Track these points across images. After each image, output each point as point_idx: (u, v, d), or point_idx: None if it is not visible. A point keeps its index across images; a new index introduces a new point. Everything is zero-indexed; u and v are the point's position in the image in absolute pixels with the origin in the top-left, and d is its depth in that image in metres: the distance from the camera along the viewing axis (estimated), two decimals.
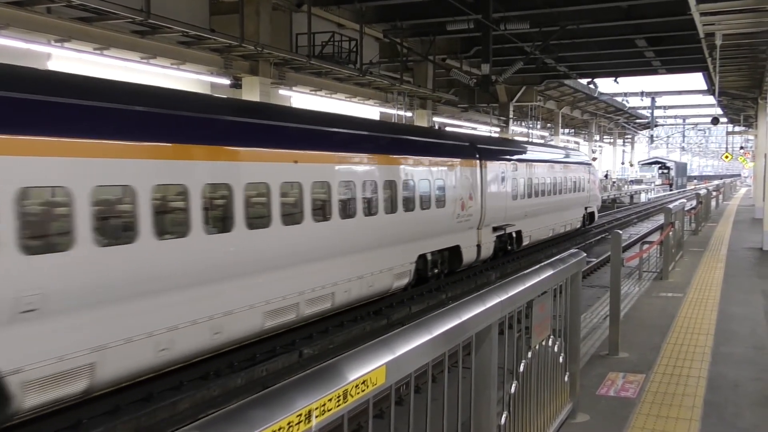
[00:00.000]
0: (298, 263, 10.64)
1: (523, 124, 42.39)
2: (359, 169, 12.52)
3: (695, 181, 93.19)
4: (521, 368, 3.98)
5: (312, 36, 19.63)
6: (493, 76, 23.97)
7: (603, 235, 28.54)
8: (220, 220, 9.20)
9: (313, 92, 21.51)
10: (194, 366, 9.52)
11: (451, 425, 3.11)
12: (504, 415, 3.74)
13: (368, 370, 2.31)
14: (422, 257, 14.94)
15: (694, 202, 21.24)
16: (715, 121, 33.37)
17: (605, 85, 52.47)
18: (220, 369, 9.78)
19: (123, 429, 7.91)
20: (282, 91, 19.95)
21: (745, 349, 7.41)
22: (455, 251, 16.59)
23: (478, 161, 17.59)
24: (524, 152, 22.25)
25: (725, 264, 13.81)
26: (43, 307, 6.83)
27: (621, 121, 66.50)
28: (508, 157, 19.98)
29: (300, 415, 1.95)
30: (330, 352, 11.35)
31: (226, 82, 18.10)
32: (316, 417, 2.02)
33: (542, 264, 4.54)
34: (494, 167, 18.58)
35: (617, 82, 39.88)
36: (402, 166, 13.94)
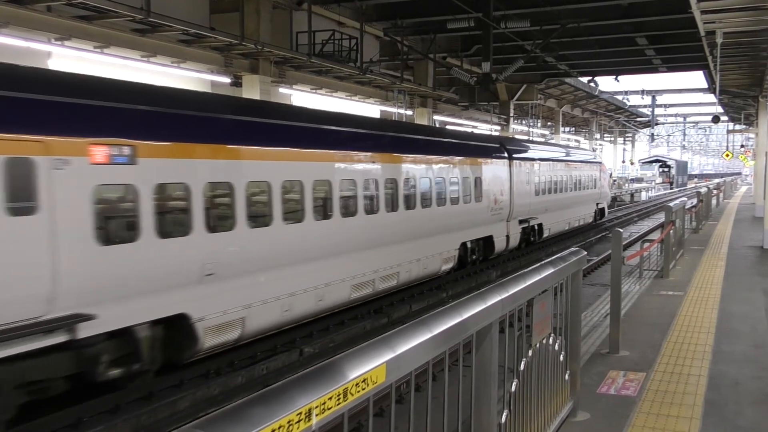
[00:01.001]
0: (374, 247, 12.93)
1: (524, 122, 42.37)
2: (419, 167, 14.65)
3: (696, 179, 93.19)
4: (522, 366, 3.98)
5: (312, 34, 19.62)
6: (494, 75, 23.97)
7: (604, 234, 28.57)
8: (322, 209, 11.42)
9: (314, 91, 21.50)
10: (194, 365, 9.54)
11: (451, 424, 3.11)
12: (504, 414, 3.74)
13: (368, 369, 2.30)
14: (463, 245, 17.09)
15: (694, 201, 21.23)
16: (716, 119, 33.23)
17: (606, 83, 52.63)
18: (221, 368, 9.79)
19: (123, 427, 7.92)
20: (282, 90, 19.95)
21: (746, 348, 7.40)
22: (488, 241, 18.72)
23: (507, 160, 19.72)
24: (545, 152, 24.27)
25: (726, 262, 13.80)
26: (216, 273, 9.08)
27: (621, 120, 66.49)
28: (532, 156, 22.12)
29: (300, 413, 1.94)
30: (330, 350, 11.37)
31: (227, 80, 18.10)
32: (317, 415, 2.02)
33: (543, 262, 4.54)
34: (521, 166, 20.67)
35: (618, 81, 39.89)
36: (450, 165, 16.11)
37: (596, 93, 47.24)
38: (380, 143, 13.62)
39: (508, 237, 19.78)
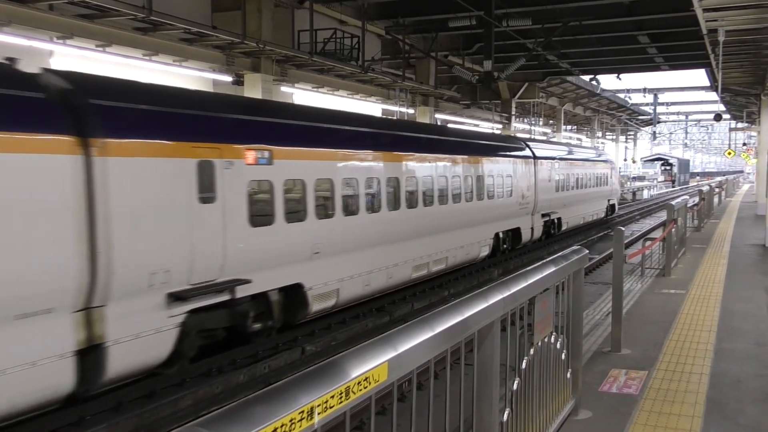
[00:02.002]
0: (429, 234, 15.10)
1: (526, 120, 42.32)
2: (465, 167, 16.94)
3: (698, 177, 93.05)
4: (523, 365, 3.98)
5: (314, 33, 19.62)
6: (495, 73, 23.97)
7: (605, 232, 28.57)
8: (393, 202, 13.62)
9: (315, 89, 21.49)
10: (197, 363, 9.54)
11: (453, 422, 3.11)
12: (506, 412, 3.74)
13: (370, 367, 2.31)
14: (497, 235, 19.24)
15: (696, 199, 21.22)
16: (718, 117, 33.28)
17: (607, 81, 52.63)
18: (223, 366, 9.79)
19: (126, 425, 7.93)
20: (284, 89, 19.94)
21: (748, 346, 7.40)
22: (516, 232, 20.84)
23: (533, 160, 21.78)
24: (564, 152, 26.45)
25: (728, 261, 13.79)
26: (321, 252, 11.38)
27: (623, 118, 66.37)
28: (553, 156, 24.19)
29: (302, 411, 1.95)
30: (332, 349, 11.37)
31: (228, 79, 18.10)
32: (319, 414, 2.02)
33: (544, 261, 4.54)
34: (544, 164, 22.77)
35: (620, 79, 39.87)
36: (488, 165, 18.32)
37: (598, 91, 47.17)
38: (433, 146, 15.95)
39: (532, 229, 21.84)
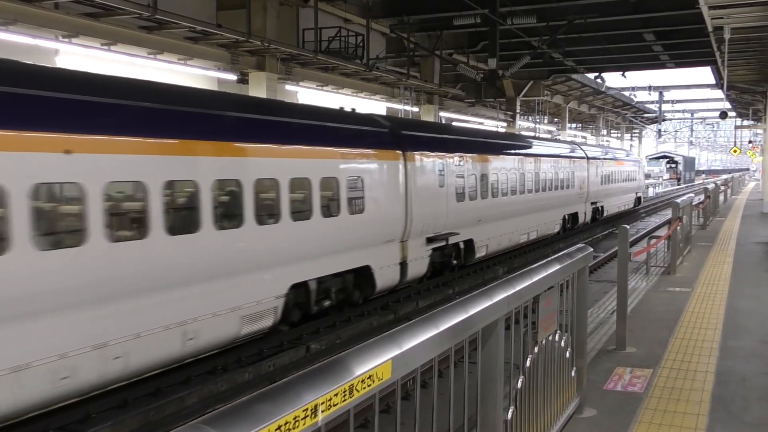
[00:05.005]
0: (530, 213, 20.87)
1: (530, 118, 42.27)
2: (547, 165, 22.55)
3: (703, 175, 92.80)
4: (528, 363, 3.98)
5: (319, 31, 19.62)
6: (500, 71, 23.95)
7: (610, 230, 28.55)
8: (515, 189, 19.59)
9: (320, 87, 21.50)
10: (202, 361, 9.57)
11: (457, 420, 3.11)
12: (511, 410, 3.74)
13: (374, 365, 2.31)
14: (563, 217, 24.93)
15: (702, 197, 21.16)
16: (724, 115, 33.13)
17: (613, 79, 52.37)
18: (228, 364, 9.81)
19: (131, 423, 7.95)
20: (288, 87, 19.95)
21: (753, 344, 7.38)
22: (575, 215, 26.74)
23: (585, 160, 27.60)
24: (605, 153, 32.70)
25: (733, 258, 13.75)
26: (482, 220, 17.18)
27: (629, 116, 66.22)
28: (598, 156, 30.12)
29: (306, 409, 1.95)
30: (337, 347, 11.37)
31: (233, 77, 18.11)
32: (323, 411, 2.03)
33: (549, 259, 4.54)
34: (593, 163, 28.61)
35: (625, 77, 39.74)
36: (563, 164, 24.39)
37: (603, 89, 47.05)
38: (532, 151, 21.97)
39: (585, 213, 27.79)
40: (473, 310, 3.11)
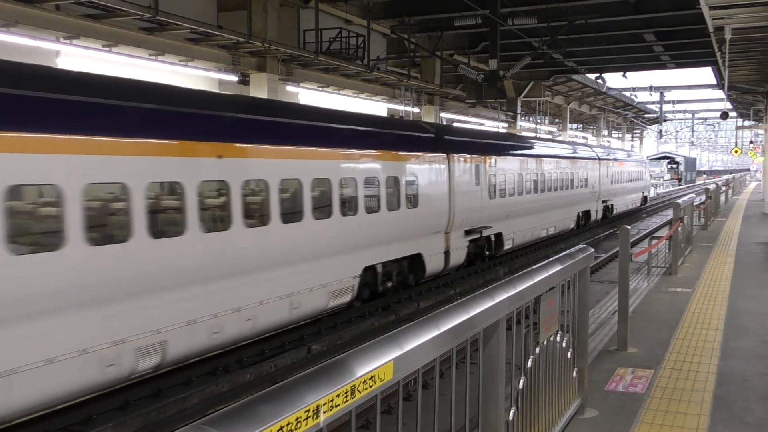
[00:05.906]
0: (550, 210, 22.64)
1: (531, 119, 42.28)
2: (566, 167, 24.68)
3: (704, 175, 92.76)
4: (529, 364, 3.97)
5: (319, 32, 19.63)
6: (501, 72, 23.93)
7: (611, 231, 28.55)
8: (531, 190, 20.95)
9: (321, 88, 21.50)
10: (203, 362, 9.57)
11: (459, 421, 3.11)
12: (512, 411, 3.74)
13: (376, 366, 2.31)
14: (578, 214, 26.70)
15: (703, 197, 21.15)
16: (725, 115, 33.12)
17: (613, 80, 52.30)
18: (229, 365, 9.82)
19: (133, 424, 7.96)
20: (289, 88, 19.95)
21: (755, 344, 7.38)
22: (587, 213, 28.27)
23: (597, 160, 29.39)
24: (615, 154, 34.67)
25: (735, 259, 13.75)
26: (510, 215, 18.99)
27: (629, 116, 66.20)
28: (609, 157, 31.87)
29: (308, 410, 1.95)
30: (338, 347, 11.38)
31: (234, 78, 18.12)
32: (324, 412, 2.03)
33: (550, 259, 4.53)
34: (604, 164, 30.36)
35: (626, 77, 39.72)
36: (578, 164, 26.39)
37: (604, 90, 47.05)
38: (546, 151, 23.53)
39: (597, 211, 29.58)
40: (475, 311, 3.11)
